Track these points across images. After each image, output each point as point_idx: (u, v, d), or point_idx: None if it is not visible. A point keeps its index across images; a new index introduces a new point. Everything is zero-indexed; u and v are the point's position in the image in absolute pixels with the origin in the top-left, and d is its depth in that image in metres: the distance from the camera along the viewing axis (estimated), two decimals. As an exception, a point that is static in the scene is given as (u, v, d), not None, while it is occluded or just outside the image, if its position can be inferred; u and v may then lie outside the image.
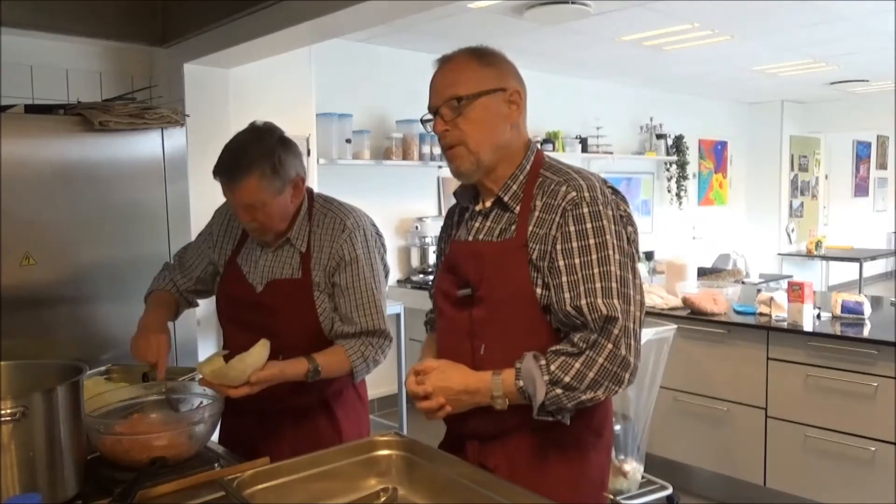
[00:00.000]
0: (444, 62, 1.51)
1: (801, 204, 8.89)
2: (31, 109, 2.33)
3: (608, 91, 6.79)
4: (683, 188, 7.43)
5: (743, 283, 5.40)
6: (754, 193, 8.66)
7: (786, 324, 3.29)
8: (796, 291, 3.29)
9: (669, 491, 3.22)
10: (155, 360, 1.76)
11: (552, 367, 1.33)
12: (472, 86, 1.44)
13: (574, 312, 1.35)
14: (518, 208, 1.45)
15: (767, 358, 3.31)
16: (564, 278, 1.36)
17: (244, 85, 3.56)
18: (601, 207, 1.39)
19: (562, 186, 1.41)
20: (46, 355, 1.66)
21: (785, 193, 8.58)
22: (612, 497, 1.20)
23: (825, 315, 3.39)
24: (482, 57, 1.48)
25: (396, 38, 4.79)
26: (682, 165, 7.38)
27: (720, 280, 4.88)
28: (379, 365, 1.91)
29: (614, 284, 1.35)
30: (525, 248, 1.41)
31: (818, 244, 8.67)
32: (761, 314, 3.45)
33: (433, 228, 5.02)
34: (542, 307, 1.40)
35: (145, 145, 2.41)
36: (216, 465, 1.49)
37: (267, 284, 1.86)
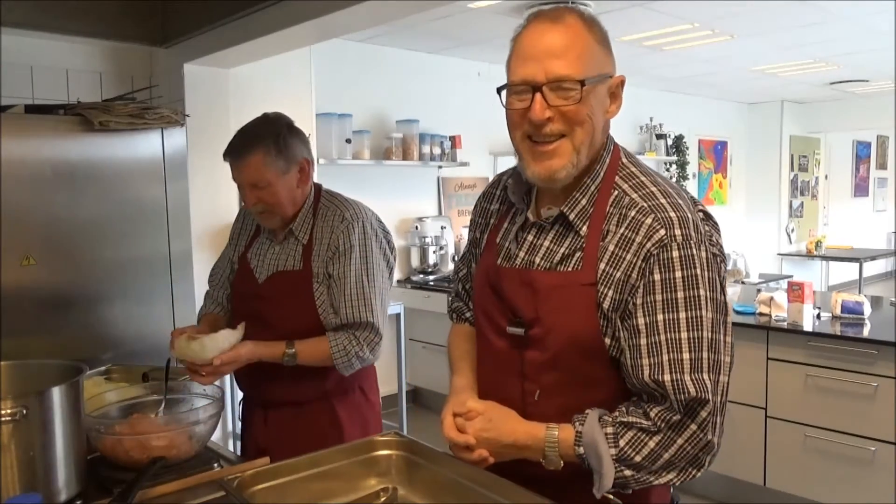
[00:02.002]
0: (550, 21, 1.15)
1: (801, 204, 8.89)
2: (31, 109, 2.32)
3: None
4: (683, 188, 7.42)
5: (743, 283, 5.40)
6: (754, 193, 8.66)
7: (786, 324, 3.29)
8: (796, 291, 3.28)
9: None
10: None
11: (621, 443, 1.11)
12: (591, 66, 1.13)
13: (654, 385, 1.11)
14: (585, 230, 1.18)
15: (767, 358, 3.31)
16: (644, 340, 1.12)
17: (244, 85, 3.55)
18: (695, 250, 1.12)
19: (646, 218, 1.14)
20: (47, 355, 1.66)
21: (785, 193, 8.58)
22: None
23: (825, 315, 3.39)
24: (595, 29, 1.17)
25: (396, 38, 4.79)
26: (682, 165, 7.39)
27: (720, 280, 4.87)
28: (366, 362, 1.90)
29: (706, 353, 1.10)
30: (593, 287, 1.15)
31: (818, 244, 8.68)
32: (761, 314, 3.45)
33: (433, 228, 5.03)
34: (610, 357, 1.17)
35: (145, 145, 2.40)
36: (216, 465, 1.49)
37: (269, 276, 1.90)
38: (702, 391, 1.09)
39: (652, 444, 1.11)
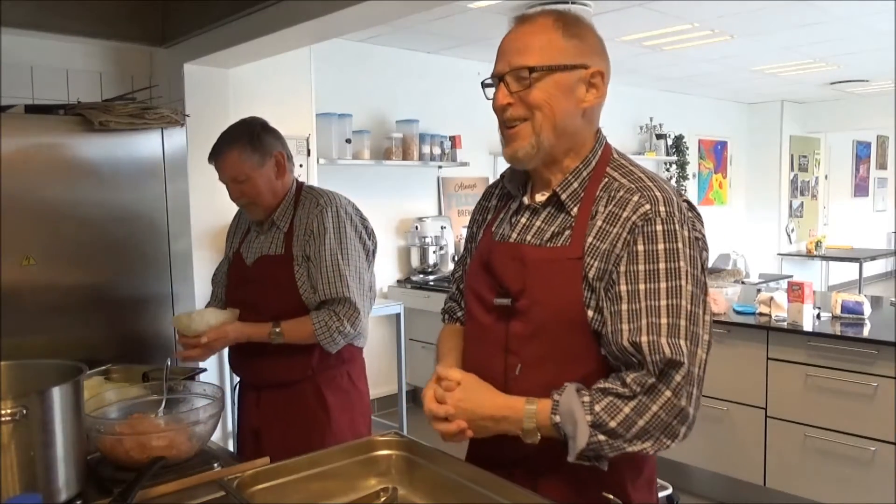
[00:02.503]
0: (522, 22, 1.26)
1: (801, 204, 8.89)
2: (31, 109, 2.32)
3: (608, 91, 6.78)
4: (683, 188, 7.43)
5: (743, 283, 5.39)
6: (754, 193, 8.66)
7: (786, 324, 3.29)
8: (796, 291, 3.29)
9: (669, 491, 3.20)
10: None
11: (596, 408, 1.13)
12: (547, 56, 1.21)
13: (631, 349, 1.14)
14: (576, 210, 1.25)
15: (767, 358, 3.31)
16: (624, 306, 1.16)
17: (244, 85, 3.55)
18: (677, 226, 1.18)
19: (633, 196, 1.21)
20: (47, 355, 1.66)
21: (785, 193, 8.58)
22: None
23: (825, 315, 3.39)
24: (567, 26, 1.24)
25: (396, 38, 4.79)
26: (681, 165, 7.38)
27: (720, 280, 4.87)
28: (350, 337, 2.00)
29: (683, 321, 1.14)
30: (580, 261, 1.20)
31: (818, 244, 8.68)
32: (761, 314, 3.45)
33: (433, 228, 5.03)
34: (592, 331, 1.21)
35: (145, 145, 2.41)
36: (216, 465, 1.49)
37: (255, 260, 2.06)
38: (677, 353, 1.12)
39: (627, 409, 1.13)
